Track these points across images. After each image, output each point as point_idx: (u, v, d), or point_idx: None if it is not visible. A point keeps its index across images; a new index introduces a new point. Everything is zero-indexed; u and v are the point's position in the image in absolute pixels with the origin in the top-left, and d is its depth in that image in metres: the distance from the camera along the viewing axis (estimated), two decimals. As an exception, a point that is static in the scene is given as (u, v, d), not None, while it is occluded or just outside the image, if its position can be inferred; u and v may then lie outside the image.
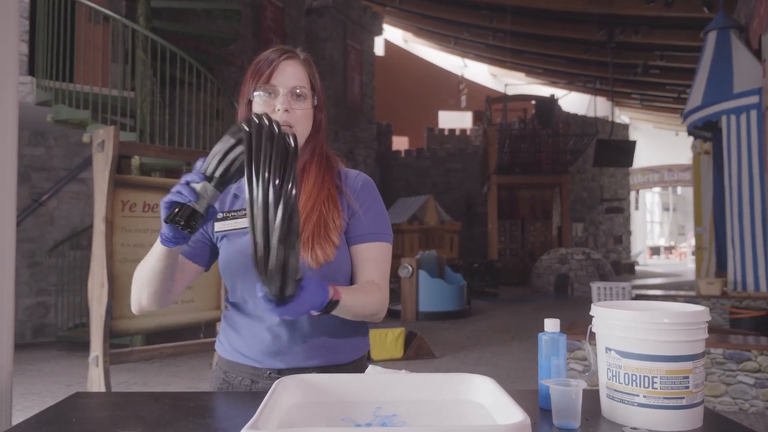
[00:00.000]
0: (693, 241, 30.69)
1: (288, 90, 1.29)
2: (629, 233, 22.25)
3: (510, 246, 16.83)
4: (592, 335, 1.15)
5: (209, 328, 4.04)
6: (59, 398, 4.72)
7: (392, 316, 8.93)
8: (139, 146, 3.86)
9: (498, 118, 17.46)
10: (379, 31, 16.51)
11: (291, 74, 1.31)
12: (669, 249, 36.26)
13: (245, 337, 1.34)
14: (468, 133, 22.41)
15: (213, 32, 7.22)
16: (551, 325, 1.18)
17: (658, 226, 39.55)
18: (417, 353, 6.20)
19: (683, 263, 29.96)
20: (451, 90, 23.24)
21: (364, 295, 1.27)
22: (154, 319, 3.71)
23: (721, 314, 7.22)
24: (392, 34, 22.64)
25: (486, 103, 16.97)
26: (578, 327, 5.16)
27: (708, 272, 9.93)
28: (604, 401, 1.10)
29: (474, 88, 24.10)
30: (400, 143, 24.44)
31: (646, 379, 1.03)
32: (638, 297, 8.22)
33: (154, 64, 5.97)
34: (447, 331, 8.04)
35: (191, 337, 4.13)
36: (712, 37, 8.30)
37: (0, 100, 2.30)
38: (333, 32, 13.93)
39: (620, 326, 1.06)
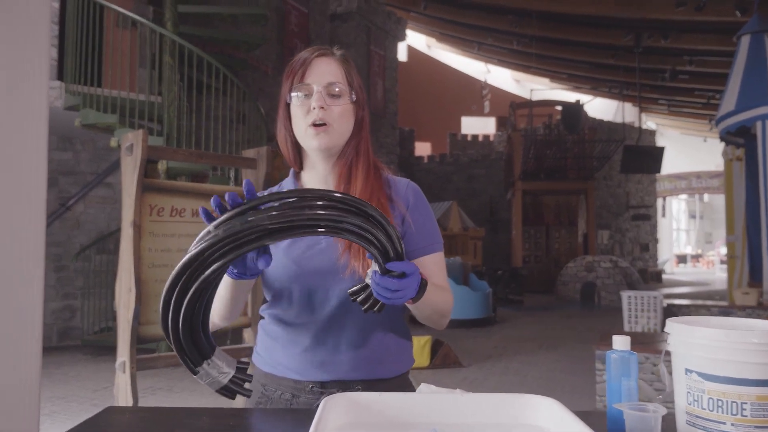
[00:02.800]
0: (722, 250, 30.17)
1: (322, 87, 1.23)
2: (656, 241, 21.85)
3: (534, 253, 16.61)
4: (667, 354, 1.05)
5: (236, 335, 3.98)
6: (85, 403, 4.72)
7: (417, 324, 8.82)
8: (167, 150, 3.82)
9: (522, 124, 17.28)
10: (403, 37, 16.46)
11: (325, 71, 1.25)
12: (696, 257, 35.63)
13: (287, 348, 1.26)
14: (491, 138, 22.25)
15: (239, 37, 7.20)
16: (621, 342, 1.08)
17: (685, 234, 38.91)
18: (443, 362, 6.08)
19: (711, 272, 29.38)
20: (474, 95, 23.09)
21: (437, 293, 1.21)
22: (180, 325, 3.65)
23: (756, 325, 6.98)
24: (415, 40, 22.59)
25: (510, 108, 16.81)
26: (611, 338, 5.00)
27: (741, 282, 9.66)
28: (683, 428, 0.99)
29: (497, 93, 23.93)
30: (422, 149, 24.36)
31: (735, 405, 0.93)
32: (670, 307, 8.00)
33: (181, 69, 5.97)
34: (473, 339, 7.90)
35: (218, 343, 4.08)
36: (745, 41, 8.10)
37: (32, 105, 2.28)
38: (357, 38, 13.90)
39: (703, 345, 0.96)
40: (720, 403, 0.94)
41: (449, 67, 25.55)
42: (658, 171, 15.24)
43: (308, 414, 1.19)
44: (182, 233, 3.69)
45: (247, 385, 1.08)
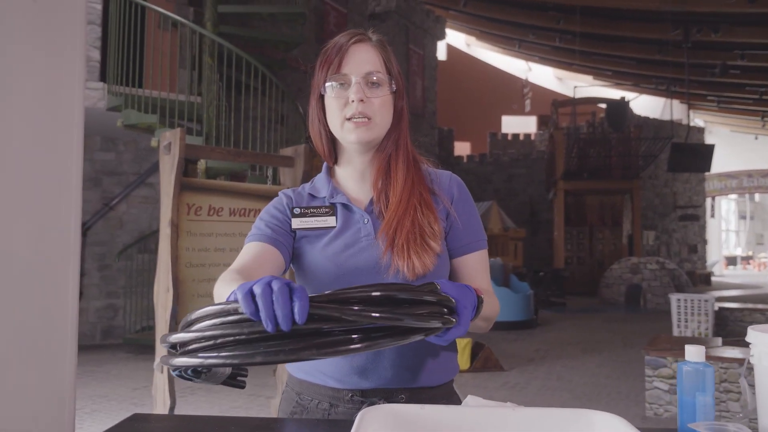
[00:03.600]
0: (777, 251, 29.01)
1: (361, 77, 1.13)
2: (705, 242, 21.14)
3: (577, 254, 16.24)
4: (749, 366, 0.92)
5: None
6: (125, 401, 4.75)
7: (456, 325, 8.68)
8: (204, 148, 3.81)
9: (564, 122, 16.92)
10: (442, 36, 16.31)
11: (363, 59, 1.15)
12: (746, 259, 34.40)
13: None
14: (532, 137, 21.89)
15: (278, 36, 7.20)
16: (694, 353, 0.96)
17: (734, 235, 37.63)
18: (484, 365, 5.94)
19: (763, 274, 28.30)
20: (514, 94, 22.78)
21: (487, 297, 1.10)
22: (218, 325, 3.62)
23: (815, 331, 6.63)
24: (454, 39, 22.38)
25: (552, 106, 16.49)
26: (661, 343, 4.79)
27: (797, 285, 9.23)
28: (771, 452, 0.87)
29: (538, 91, 23.53)
30: (462, 149, 24.12)
31: (835, 428, 0.80)
32: (722, 310, 7.68)
33: (221, 69, 5.99)
34: (514, 342, 7.72)
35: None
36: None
37: (67, 106, 2.27)
38: (395, 37, 13.83)
39: (795, 359, 0.84)
40: (817, 426, 0.81)
41: (489, 65, 25.24)
42: (708, 170, 14.70)
43: (347, 426, 1.11)
44: (219, 232, 3.66)
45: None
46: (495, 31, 16.91)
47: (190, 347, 0.80)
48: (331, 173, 1.27)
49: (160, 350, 3.47)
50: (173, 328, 3.43)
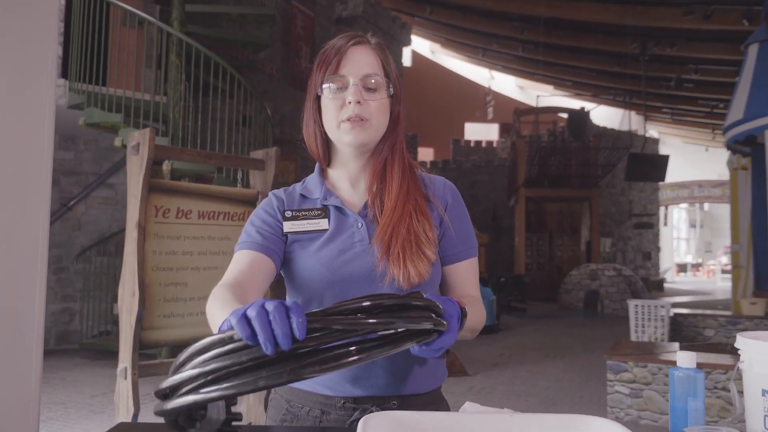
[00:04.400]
0: (722, 259, 30.09)
1: (359, 79, 1.13)
2: (658, 249, 21.77)
3: (537, 260, 16.51)
4: (738, 372, 0.96)
5: (241, 341, 3.88)
6: (83, 409, 4.60)
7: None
8: (174, 150, 3.73)
9: (526, 131, 17.22)
10: (408, 42, 16.40)
11: (362, 61, 1.15)
12: (696, 266, 35.54)
13: None
14: (494, 145, 22.19)
15: (247, 38, 7.12)
16: (686, 359, 0.99)
17: (685, 243, 38.86)
18: (449, 370, 5.98)
19: (711, 281, 29.28)
20: (477, 102, 23.06)
21: (473, 307, 1.11)
22: (186, 329, 3.56)
23: (764, 337, 6.89)
24: (419, 45, 22.55)
25: (514, 114, 16.75)
26: (622, 348, 4.91)
27: (745, 291, 9.58)
28: (760, 455, 0.90)
29: (500, 100, 23.88)
30: (425, 154, 24.28)
31: (823, 431, 0.84)
32: (676, 316, 7.91)
33: (187, 69, 5.89)
34: (478, 347, 7.80)
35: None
36: (753, 50, 8.05)
37: (37, 103, 2.20)
38: (361, 42, 13.86)
39: (786, 365, 0.87)
40: (806, 429, 0.85)
41: (453, 72, 25.50)
42: (663, 179, 15.17)
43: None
44: (188, 235, 3.60)
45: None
46: (460, 39, 17.10)
47: (187, 387, 0.77)
48: (324, 175, 1.26)
49: (125, 355, 3.38)
50: (138, 333, 3.35)
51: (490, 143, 22.35)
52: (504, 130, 23.62)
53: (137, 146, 3.37)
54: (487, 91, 23.03)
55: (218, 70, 5.73)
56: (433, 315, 0.88)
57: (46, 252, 2.15)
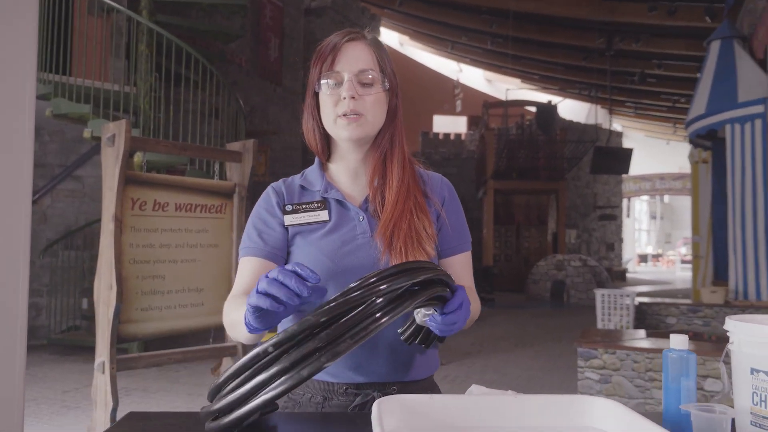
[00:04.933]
0: (682, 249, 30.94)
1: (353, 74, 1.15)
2: (621, 241, 22.29)
3: (505, 252, 16.75)
4: (727, 354, 1.02)
5: (219, 333, 3.87)
6: (55, 404, 4.53)
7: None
8: (149, 141, 3.68)
9: (495, 124, 17.40)
10: (377, 34, 16.40)
11: (356, 57, 1.17)
12: (656, 257, 36.50)
13: None
14: (463, 137, 22.36)
15: (218, 28, 7.03)
16: (679, 341, 1.04)
17: (646, 234, 39.85)
18: (423, 360, 6.06)
19: (671, 271, 30.12)
20: (446, 94, 23.19)
21: (472, 295, 1.17)
22: (164, 323, 3.54)
23: (723, 323, 7.14)
24: (388, 37, 22.55)
25: (483, 107, 16.90)
26: (591, 335, 5.05)
27: (705, 281, 9.89)
28: (747, 429, 0.96)
29: (468, 92, 24.05)
30: (393, 147, 24.09)
31: (808, 406, 0.90)
32: (640, 305, 8.14)
33: (158, 60, 5.80)
34: (451, 337, 7.89)
35: (197, 342, 3.97)
36: (715, 46, 8.27)
37: (18, 97, 2.16)
38: (331, 33, 13.72)
39: (774, 345, 0.93)
40: (791, 405, 0.91)
41: (422, 65, 25.57)
42: (626, 172, 15.53)
43: (343, 418, 1.13)
44: (165, 228, 3.57)
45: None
46: (429, 31, 17.16)
47: (238, 400, 0.86)
48: (324, 168, 1.28)
49: (102, 350, 3.35)
50: (117, 327, 3.32)
51: (458, 136, 22.51)
52: (472, 123, 23.81)
53: (112, 138, 3.32)
54: (455, 84, 23.19)
55: (190, 60, 5.65)
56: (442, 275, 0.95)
57: (28, 248, 2.11)
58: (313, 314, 0.83)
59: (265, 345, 0.85)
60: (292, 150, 11.92)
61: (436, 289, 0.94)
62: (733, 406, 0.97)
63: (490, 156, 15.28)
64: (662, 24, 11.11)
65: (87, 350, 6.44)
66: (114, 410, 3.27)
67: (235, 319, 1.07)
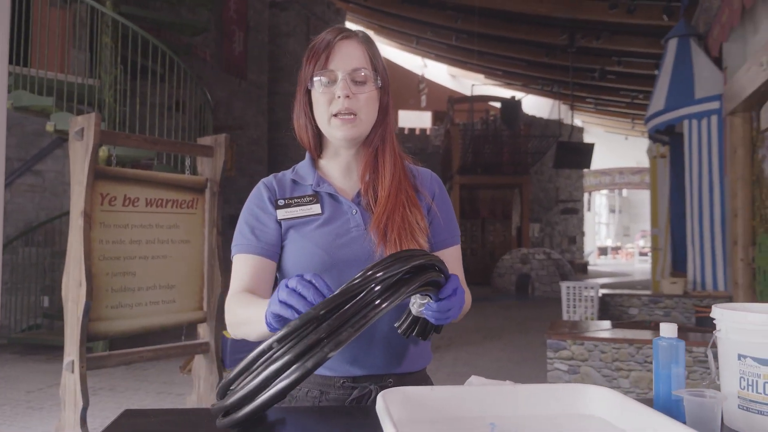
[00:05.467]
0: (640, 242, 31.74)
1: (347, 73, 1.16)
2: (582, 234, 22.75)
3: (471, 246, 16.93)
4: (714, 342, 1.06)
5: (191, 330, 3.82)
6: (20, 406, 4.41)
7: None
8: (119, 135, 3.60)
9: (460, 119, 17.54)
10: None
11: (350, 55, 1.18)
12: (615, 249, 37.35)
13: None
14: (428, 132, 22.47)
15: (184, 21, 6.90)
16: (668, 329, 1.08)
17: (605, 228, 40.74)
18: (394, 354, 6.09)
19: (630, 263, 30.88)
20: (411, 89, 23.23)
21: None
22: (135, 321, 3.47)
23: (682, 313, 7.39)
24: (352, 32, 22.38)
25: (448, 103, 17.01)
26: (560, 327, 5.15)
27: (663, 272, 10.18)
28: (735, 412, 1.01)
29: (433, 88, 24.17)
30: (359, 142, 24.02)
31: (792, 388, 0.95)
32: (605, 296, 8.34)
33: (123, 52, 5.67)
34: (418, 331, 7.95)
35: (167, 339, 3.91)
36: (673, 44, 8.49)
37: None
38: (296, 27, 13.67)
39: (759, 331, 0.97)
40: (777, 387, 0.95)
41: (387, 60, 25.50)
42: (588, 166, 15.86)
43: (340, 411, 1.14)
44: (136, 224, 3.50)
45: None
46: (394, 26, 17.16)
47: (249, 395, 0.89)
48: (315, 165, 1.29)
49: (71, 348, 3.27)
50: (86, 325, 3.25)
51: (423, 131, 22.62)
52: (437, 118, 23.95)
53: (81, 131, 3.25)
54: (420, 79, 23.27)
55: (156, 53, 5.54)
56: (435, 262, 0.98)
57: (0, 244, 2.05)
58: (313, 308, 0.86)
59: (269, 341, 0.88)
60: (257, 145, 11.79)
61: (431, 273, 0.97)
62: (719, 391, 1.01)
63: (456, 151, 15.40)
64: (622, 22, 11.36)
65: (49, 349, 6.28)
66: (84, 410, 3.20)
67: (243, 317, 1.07)
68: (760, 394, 0.97)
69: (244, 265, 1.19)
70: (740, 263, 6.72)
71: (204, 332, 3.83)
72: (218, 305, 3.78)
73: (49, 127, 5.34)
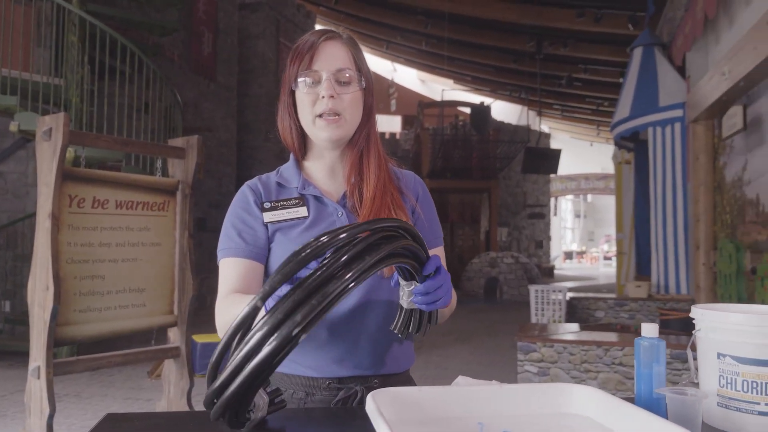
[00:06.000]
0: (604, 247, 32.35)
1: (331, 74, 1.16)
2: (549, 238, 23.09)
3: (439, 250, 17.01)
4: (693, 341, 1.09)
5: (161, 334, 3.76)
6: (-19, 413, 4.26)
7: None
8: (88, 136, 3.52)
9: (430, 123, 17.64)
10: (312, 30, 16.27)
11: (334, 56, 1.18)
12: (580, 254, 38.00)
13: (301, 343, 1.20)
14: (398, 137, 22.54)
15: (154, 20, 6.79)
16: (649, 329, 1.11)
17: (570, 232, 41.43)
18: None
19: (595, 267, 31.45)
20: (380, 94, 23.30)
21: None
22: (104, 325, 3.40)
23: (647, 315, 7.55)
24: (322, 35, 22.33)
25: (418, 107, 17.09)
26: (530, 329, 5.22)
27: (628, 276, 10.39)
28: (714, 410, 1.04)
29: (403, 92, 24.27)
30: (328, 145, 23.95)
31: (768, 386, 0.98)
32: (572, 299, 8.48)
33: (91, 51, 5.55)
34: (388, 334, 7.95)
35: (136, 344, 3.83)
36: (638, 53, 8.69)
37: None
38: (266, 29, 13.59)
39: (738, 330, 1.01)
40: (755, 385, 0.98)
41: (357, 64, 25.47)
42: (555, 172, 16.11)
43: (326, 413, 1.13)
44: (105, 226, 3.43)
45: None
46: (364, 30, 17.18)
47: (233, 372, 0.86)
48: (300, 167, 1.29)
49: (37, 353, 3.18)
50: (53, 329, 3.17)
51: (393, 135, 22.68)
52: (406, 123, 24.04)
53: (49, 132, 3.18)
54: (390, 84, 23.36)
55: (125, 53, 5.44)
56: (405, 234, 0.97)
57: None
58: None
59: (234, 325, 0.87)
60: (226, 148, 11.67)
61: (402, 241, 0.95)
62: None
63: (426, 155, 15.49)
64: (589, 30, 11.58)
65: (11, 355, 6.09)
66: (51, 417, 3.12)
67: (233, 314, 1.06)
68: (739, 391, 1.00)
69: (232, 269, 1.18)
70: (702, 267, 6.90)
71: (174, 336, 3.77)
72: (189, 309, 3.73)
73: (13, 127, 5.20)
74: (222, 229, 1.23)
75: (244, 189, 1.26)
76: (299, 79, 1.18)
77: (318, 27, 16.98)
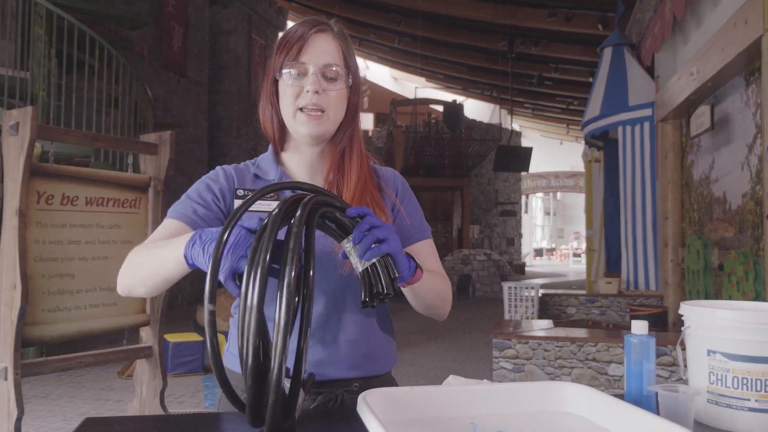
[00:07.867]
0: (573, 244, 32.82)
1: (318, 68, 1.13)
2: (520, 236, 23.33)
3: (412, 247, 17.07)
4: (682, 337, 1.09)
5: (133, 334, 3.68)
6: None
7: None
8: (57, 131, 3.41)
9: (402, 121, 17.66)
10: (284, 27, 16.14)
11: (323, 50, 1.15)
12: (550, 251, 38.49)
13: None
14: (370, 134, 22.51)
15: (125, 14, 6.64)
16: (639, 327, 1.11)
17: (540, 230, 41.95)
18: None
19: (564, 264, 31.90)
20: (353, 91, 23.29)
21: (435, 277, 1.19)
22: (73, 324, 3.31)
23: (617, 311, 7.67)
24: (294, 32, 22.18)
25: (391, 105, 17.09)
26: (505, 326, 5.25)
27: (598, 272, 10.54)
28: (704, 407, 1.04)
29: (375, 89, 24.26)
30: (300, 143, 23.83)
31: (759, 382, 0.98)
32: (544, 296, 8.57)
33: (58, 44, 5.40)
34: (363, 332, 7.93)
35: (100, 345, 3.75)
36: (607, 53, 8.81)
37: None
38: (237, 25, 13.42)
39: (727, 327, 1.01)
40: (745, 381, 0.99)
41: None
42: (527, 170, 16.26)
43: (305, 415, 1.10)
44: (74, 223, 3.34)
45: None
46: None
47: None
48: (278, 160, 1.25)
49: (4, 354, 3.09)
50: (21, 329, 3.07)
51: (365, 132, 22.67)
52: (379, 120, 24.03)
53: (16, 126, 3.08)
54: (362, 81, 23.31)
55: (93, 46, 5.31)
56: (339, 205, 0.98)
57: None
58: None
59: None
60: (197, 144, 11.50)
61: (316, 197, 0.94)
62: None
63: (399, 153, 15.50)
64: (560, 30, 11.70)
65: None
66: (19, 419, 3.04)
67: (152, 254, 1.04)
68: (729, 388, 1.00)
69: (167, 227, 1.13)
70: (670, 264, 7.03)
71: (147, 336, 3.69)
72: (162, 308, 3.65)
73: (-24, 121, 5.03)
74: (183, 194, 1.19)
75: (218, 170, 1.23)
76: (284, 70, 1.14)
77: (289, 23, 16.86)
